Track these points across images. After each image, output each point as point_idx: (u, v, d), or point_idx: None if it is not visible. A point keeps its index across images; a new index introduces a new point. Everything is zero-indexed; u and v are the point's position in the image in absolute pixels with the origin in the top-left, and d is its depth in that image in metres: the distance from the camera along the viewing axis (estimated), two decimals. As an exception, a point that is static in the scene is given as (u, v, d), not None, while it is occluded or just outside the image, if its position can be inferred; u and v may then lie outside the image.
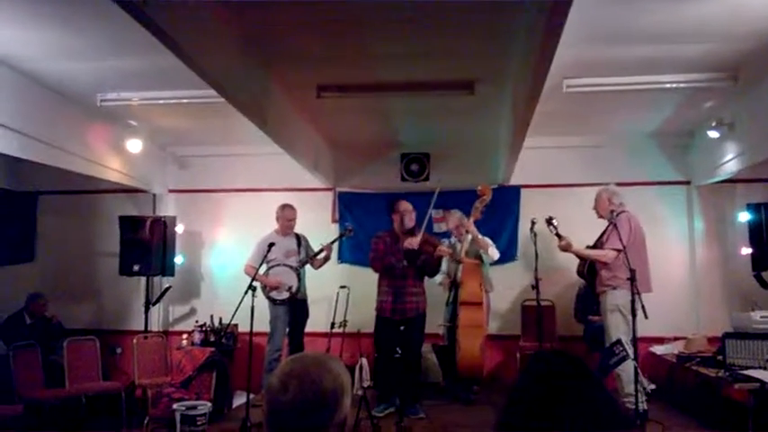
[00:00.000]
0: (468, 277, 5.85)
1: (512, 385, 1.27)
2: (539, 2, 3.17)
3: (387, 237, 5.50)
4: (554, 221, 5.10)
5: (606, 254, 4.94)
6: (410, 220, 5.48)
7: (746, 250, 6.19)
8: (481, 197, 5.86)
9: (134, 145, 6.53)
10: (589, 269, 5.23)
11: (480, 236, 5.95)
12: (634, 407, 4.62)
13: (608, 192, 5.24)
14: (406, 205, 5.50)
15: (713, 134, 5.94)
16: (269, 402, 1.35)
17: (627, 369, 4.67)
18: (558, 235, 5.11)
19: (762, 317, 5.05)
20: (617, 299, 4.84)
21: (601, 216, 5.23)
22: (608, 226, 5.08)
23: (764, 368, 4.69)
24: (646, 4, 3.78)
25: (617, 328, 4.77)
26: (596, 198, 5.30)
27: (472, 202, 5.90)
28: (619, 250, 4.80)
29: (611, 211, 5.10)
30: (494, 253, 5.98)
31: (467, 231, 5.89)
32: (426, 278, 5.67)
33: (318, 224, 7.02)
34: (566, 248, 5.16)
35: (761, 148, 5.33)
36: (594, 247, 5.15)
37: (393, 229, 5.54)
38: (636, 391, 4.43)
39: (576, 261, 5.51)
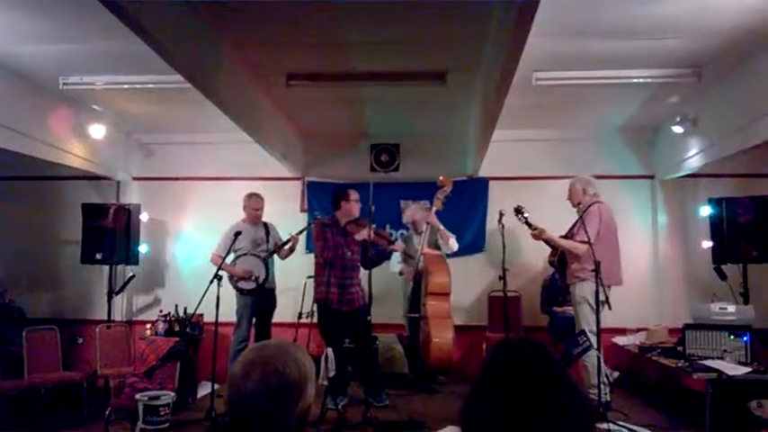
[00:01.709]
0: (435, 267, 5.88)
1: (476, 374, 1.28)
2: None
3: (332, 225, 5.34)
4: (523, 210, 5.12)
5: (577, 246, 4.98)
6: (356, 210, 5.42)
7: (707, 243, 6.33)
8: (442, 188, 5.93)
9: (97, 130, 6.38)
10: (560, 259, 5.27)
11: (442, 227, 5.99)
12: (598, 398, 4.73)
13: (582, 182, 5.26)
14: (357, 194, 5.43)
15: (677, 129, 6.05)
16: (231, 390, 1.34)
17: (593, 361, 4.76)
18: (527, 224, 5.13)
19: (720, 308, 5.17)
20: (584, 290, 4.89)
21: (574, 206, 5.28)
22: (580, 216, 5.11)
23: (722, 358, 4.82)
24: (615, -1, 3.82)
25: (586, 320, 4.83)
26: (570, 188, 5.33)
27: (440, 193, 5.96)
28: (586, 242, 4.82)
29: (578, 204, 5.18)
30: (453, 245, 6.02)
31: (428, 222, 5.93)
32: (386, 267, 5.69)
33: (287, 213, 6.96)
34: (539, 236, 5.18)
35: (723, 144, 5.45)
36: (566, 237, 5.17)
37: (336, 218, 5.39)
38: (599, 382, 4.52)
39: (546, 251, 5.57)
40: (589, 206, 5.11)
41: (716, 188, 6.56)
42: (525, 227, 5.23)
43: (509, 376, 1.26)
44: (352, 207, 5.36)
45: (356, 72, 4.87)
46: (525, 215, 5.13)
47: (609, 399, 4.77)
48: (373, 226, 5.18)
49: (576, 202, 5.27)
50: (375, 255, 5.31)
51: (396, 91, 5.34)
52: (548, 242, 5.31)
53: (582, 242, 4.90)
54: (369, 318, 4.98)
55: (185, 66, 3.98)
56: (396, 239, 6.08)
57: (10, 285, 6.67)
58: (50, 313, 7.04)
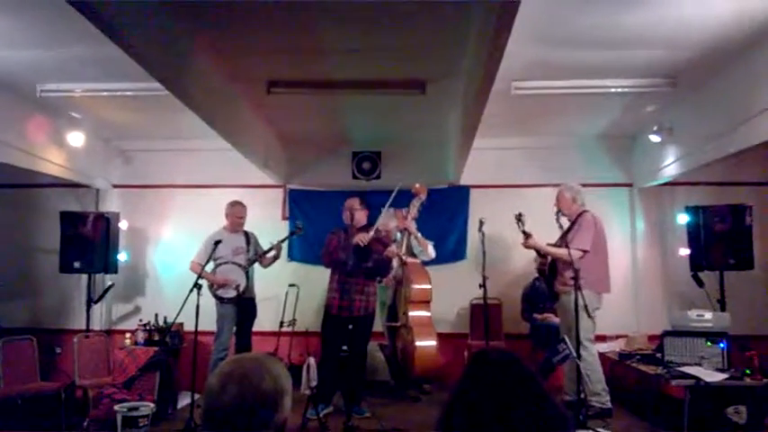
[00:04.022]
0: (416, 276, 5.90)
1: (454, 386, 1.29)
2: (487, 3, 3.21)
3: (341, 233, 5.45)
4: (523, 218, 5.06)
5: (572, 253, 4.89)
6: (360, 218, 5.43)
7: (685, 251, 6.41)
8: (417, 195, 5.95)
9: (76, 138, 6.33)
10: (550, 268, 5.24)
11: (419, 234, 6.02)
12: (602, 405, 4.77)
13: (571, 191, 5.25)
14: (350, 202, 5.46)
15: (654, 138, 6.13)
16: (207, 403, 1.34)
17: (595, 370, 4.83)
18: (524, 232, 5.09)
19: (698, 315, 5.23)
20: (580, 299, 4.78)
21: (563, 214, 5.25)
22: (572, 225, 5.14)
23: (699, 365, 4.88)
24: (591, 10, 3.89)
25: (583, 327, 4.79)
26: (558, 197, 5.28)
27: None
28: (585, 251, 4.89)
29: (564, 212, 5.20)
30: (431, 252, 6.05)
31: (405, 229, 5.96)
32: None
33: (268, 221, 6.94)
34: (531, 245, 5.16)
35: (699, 153, 5.53)
36: (558, 246, 5.12)
37: (347, 226, 5.50)
38: (578, 390, 4.55)
39: (528, 259, 5.58)
40: (580, 215, 5.13)
41: (693, 196, 6.65)
42: (514, 234, 5.22)
43: (484, 388, 1.28)
44: (348, 214, 5.40)
45: (337, 80, 4.88)
46: (524, 222, 5.07)
47: (610, 406, 4.82)
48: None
49: (564, 210, 5.24)
50: (375, 261, 5.28)
51: (377, 99, 5.35)
52: (537, 250, 5.28)
53: (579, 250, 4.90)
54: (368, 328, 4.98)
55: (162, 72, 3.97)
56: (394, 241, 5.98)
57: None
58: (28, 322, 6.95)
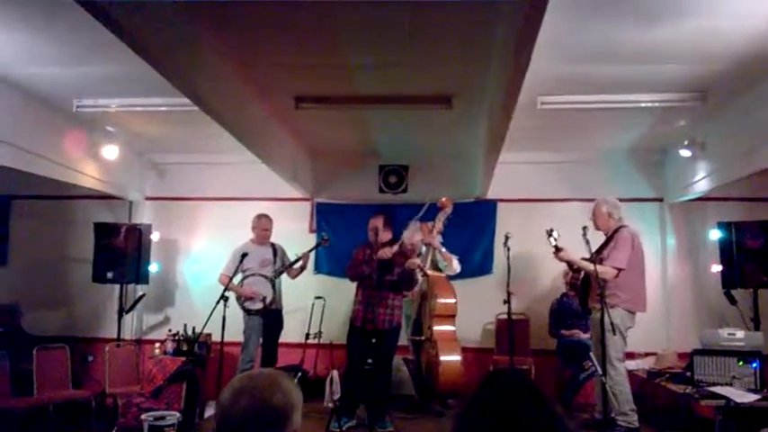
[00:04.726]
0: (440, 290, 5.89)
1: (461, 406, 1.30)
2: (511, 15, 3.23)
3: (367, 247, 5.49)
4: (554, 233, 4.93)
5: (606, 270, 4.79)
6: (384, 237, 5.40)
7: (717, 268, 6.29)
8: (443, 209, 5.92)
9: (110, 151, 6.49)
10: (583, 283, 5.10)
11: (444, 249, 6.01)
12: (628, 425, 4.68)
13: (608, 205, 5.11)
14: (374, 222, 5.43)
15: (685, 153, 6.04)
16: (219, 415, 1.37)
17: (622, 388, 4.73)
18: (556, 247, 4.95)
19: (729, 334, 5.12)
20: (614, 317, 4.61)
21: (598, 228, 5.12)
22: (608, 240, 5.03)
23: (731, 384, 4.77)
24: (619, 24, 3.86)
25: (614, 347, 4.70)
26: (595, 211, 5.16)
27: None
28: (620, 269, 4.78)
29: (603, 227, 5.11)
30: (457, 267, 6.04)
31: (428, 244, 5.95)
32: None
33: (295, 234, 7.00)
34: (564, 259, 5.02)
35: (731, 168, 5.44)
36: (592, 261, 4.87)
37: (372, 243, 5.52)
38: (604, 408, 4.48)
39: (559, 274, 5.48)
40: (617, 230, 5.01)
41: (725, 212, 6.53)
42: (542, 248, 5.16)
43: (492, 409, 1.28)
44: (370, 235, 5.42)
45: (363, 95, 4.94)
46: (556, 237, 4.93)
47: (638, 425, 4.74)
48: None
49: (599, 225, 5.11)
50: (399, 275, 5.29)
51: (404, 113, 5.39)
52: (570, 263, 5.15)
53: (614, 267, 4.79)
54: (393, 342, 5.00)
55: (191, 87, 4.06)
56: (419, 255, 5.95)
57: (23, 303, 6.76)
58: (62, 331, 7.10)
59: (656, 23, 3.83)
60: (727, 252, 6.04)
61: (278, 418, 1.33)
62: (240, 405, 1.33)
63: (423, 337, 5.91)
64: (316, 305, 6.17)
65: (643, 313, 5.13)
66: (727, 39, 4.03)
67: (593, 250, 4.91)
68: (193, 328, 6.46)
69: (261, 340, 5.96)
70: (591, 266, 4.80)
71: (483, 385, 1.38)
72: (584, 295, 5.16)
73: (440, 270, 6.05)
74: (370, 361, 5.01)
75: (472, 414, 1.31)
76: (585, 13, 3.72)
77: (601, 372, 4.38)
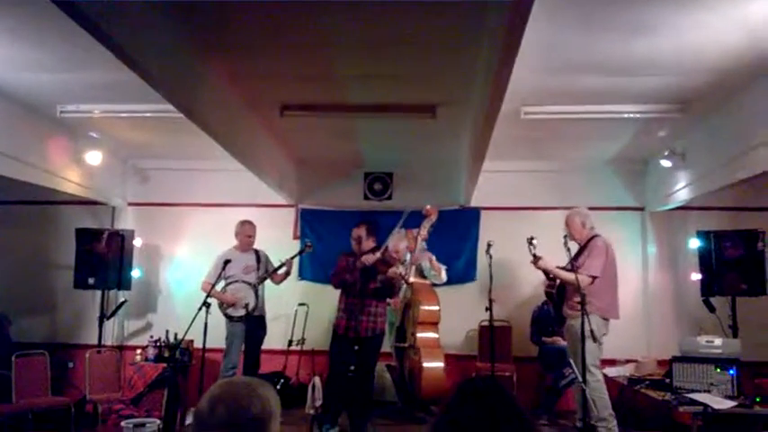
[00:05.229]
0: (424, 297, 5.92)
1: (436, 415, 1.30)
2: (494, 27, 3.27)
3: (350, 255, 5.50)
4: (534, 242, 5.01)
5: (582, 279, 4.83)
6: (367, 244, 5.43)
7: (696, 276, 6.37)
8: (428, 217, 5.93)
9: (94, 157, 6.45)
10: (559, 292, 5.19)
11: (434, 257, 6.05)
12: (608, 431, 4.72)
13: (581, 216, 5.21)
14: (357, 232, 5.46)
15: (666, 163, 6.12)
16: (196, 424, 1.37)
17: (601, 395, 4.77)
18: (534, 255, 5.04)
19: (707, 341, 5.17)
20: (590, 324, 4.70)
21: (574, 239, 5.19)
22: (582, 249, 5.11)
23: (709, 391, 4.82)
24: (601, 37, 3.91)
25: (591, 353, 4.73)
26: (568, 222, 5.25)
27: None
28: (594, 277, 4.86)
29: (575, 237, 5.18)
30: (444, 277, 6.08)
31: (416, 260, 5.98)
32: None
33: (280, 240, 6.99)
34: (541, 267, 5.10)
35: (710, 178, 5.52)
36: (568, 270, 5.00)
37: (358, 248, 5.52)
38: (584, 415, 4.52)
39: (541, 281, 5.53)
40: (591, 239, 5.10)
41: (705, 221, 6.62)
42: (524, 256, 5.20)
43: (465, 418, 1.30)
44: (353, 244, 5.44)
45: (348, 104, 4.96)
46: (535, 245, 5.02)
47: (617, 431, 4.80)
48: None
49: (575, 235, 5.20)
50: (381, 282, 5.29)
51: (389, 122, 5.42)
52: (546, 272, 5.22)
53: (589, 276, 4.87)
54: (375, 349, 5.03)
55: (175, 95, 4.06)
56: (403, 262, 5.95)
57: (3, 308, 6.69)
58: (43, 337, 7.03)
59: (637, 37, 3.89)
60: (706, 260, 6.12)
61: (255, 427, 1.34)
62: (217, 413, 1.33)
63: (406, 344, 5.94)
64: (299, 312, 6.17)
65: (624, 321, 5.22)
66: (704, 53, 4.11)
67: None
68: (176, 335, 6.45)
69: (243, 347, 5.94)
70: (567, 275, 4.94)
71: (456, 396, 1.39)
72: (559, 303, 5.24)
73: (425, 277, 6.08)
74: (352, 368, 5.01)
75: (445, 427, 1.33)
76: (569, 26, 3.77)
77: (581, 379, 4.42)
